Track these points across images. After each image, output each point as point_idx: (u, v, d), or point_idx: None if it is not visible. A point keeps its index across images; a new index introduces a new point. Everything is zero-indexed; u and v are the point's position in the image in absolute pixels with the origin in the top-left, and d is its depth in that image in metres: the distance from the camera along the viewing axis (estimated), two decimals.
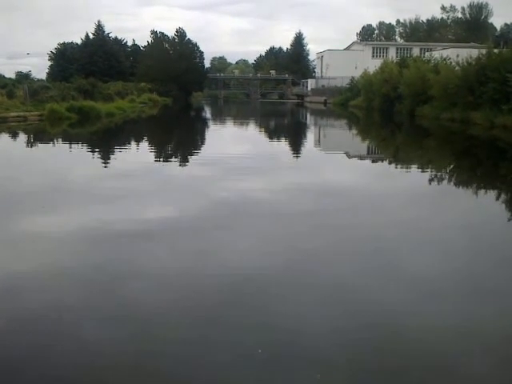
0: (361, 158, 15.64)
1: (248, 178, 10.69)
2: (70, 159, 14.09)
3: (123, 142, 19.52)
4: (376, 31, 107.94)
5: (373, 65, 51.22)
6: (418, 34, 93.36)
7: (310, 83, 75.41)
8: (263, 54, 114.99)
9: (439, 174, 12.65)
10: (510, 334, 4.09)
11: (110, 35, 74.40)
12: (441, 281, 5.10)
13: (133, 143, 19.70)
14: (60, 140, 19.81)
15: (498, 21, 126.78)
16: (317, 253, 5.90)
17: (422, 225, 7.28)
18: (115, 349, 3.78)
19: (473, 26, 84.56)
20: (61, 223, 7.04)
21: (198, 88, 77.50)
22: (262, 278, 5.11)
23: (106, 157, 14.74)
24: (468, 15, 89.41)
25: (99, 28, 72.47)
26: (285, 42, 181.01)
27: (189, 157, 15.05)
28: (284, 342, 3.84)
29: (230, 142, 20.22)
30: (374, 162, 15.20)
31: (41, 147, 17.45)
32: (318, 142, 21.91)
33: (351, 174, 12.04)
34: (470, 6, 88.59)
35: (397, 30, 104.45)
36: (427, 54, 48.00)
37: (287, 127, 32.19)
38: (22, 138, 20.56)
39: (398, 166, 14.27)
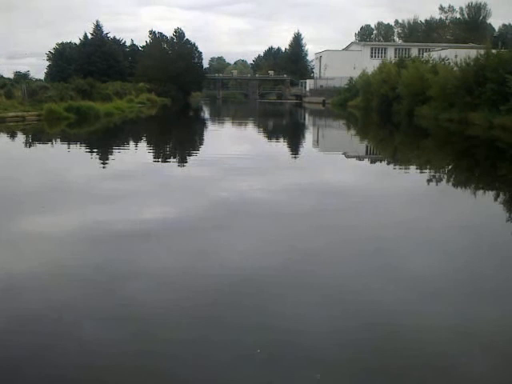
0: (359, 158, 15.65)
1: (247, 179, 10.69)
2: (68, 159, 14.07)
3: (122, 143, 19.50)
4: (374, 31, 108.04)
5: (371, 65, 51.25)
6: (417, 35, 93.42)
7: (309, 83, 75.45)
8: (262, 54, 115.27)
9: (438, 174, 12.66)
10: (510, 334, 4.10)
11: (108, 35, 74.31)
12: (440, 281, 5.11)
13: (131, 143, 19.68)
14: (58, 140, 19.78)
15: (496, 21, 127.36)
16: (316, 253, 5.90)
17: (421, 225, 7.29)
18: (115, 349, 3.77)
19: (471, 27, 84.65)
20: (60, 223, 7.03)
21: (196, 88, 77.39)
22: (261, 278, 5.11)
23: (104, 157, 14.73)
24: (466, 16, 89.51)
25: (97, 28, 72.32)
26: (283, 43, 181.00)
27: (187, 157, 15.04)
28: (283, 341, 3.85)
29: (229, 142, 20.22)
30: (372, 162, 15.21)
31: (39, 147, 17.43)
32: (316, 143, 21.92)
33: (349, 175, 12.05)
34: (469, 6, 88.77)
35: (395, 30, 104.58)
36: (426, 54, 48.07)
37: (286, 127, 32.20)
38: (20, 138, 20.51)
39: (397, 167, 14.28)
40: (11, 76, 62.11)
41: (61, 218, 7.33)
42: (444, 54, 39.82)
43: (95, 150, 16.58)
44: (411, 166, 14.14)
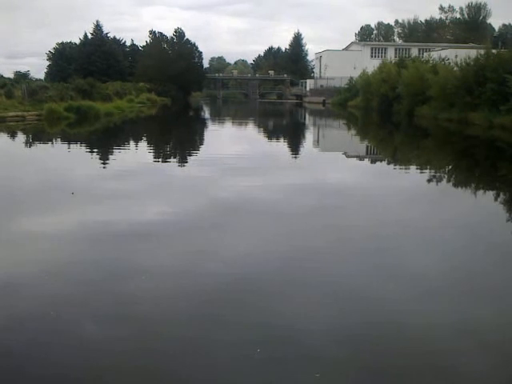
0: (359, 158, 15.65)
1: (247, 179, 10.69)
2: (68, 159, 14.07)
3: (122, 142, 19.50)
4: (375, 31, 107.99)
5: (371, 65, 51.24)
6: (417, 35, 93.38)
7: (309, 83, 75.43)
8: (262, 54, 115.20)
9: (438, 174, 12.67)
10: (510, 333, 4.11)
11: (108, 35, 74.33)
12: (440, 279, 5.12)
13: (131, 143, 19.68)
14: (58, 140, 19.79)
15: (496, 21, 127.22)
16: (316, 251, 5.90)
17: (421, 225, 7.29)
18: (115, 347, 3.78)
19: (471, 27, 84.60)
20: (60, 223, 7.03)
21: (196, 88, 77.42)
22: (261, 276, 5.12)
23: (104, 157, 14.74)
24: (466, 16, 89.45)
25: (98, 28, 72.32)
26: (283, 42, 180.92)
27: (188, 157, 15.04)
28: (283, 340, 3.85)
29: (229, 142, 20.22)
30: (372, 162, 15.21)
31: (39, 147, 17.44)
32: (316, 143, 21.92)
33: (350, 175, 12.05)
34: (469, 6, 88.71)
35: (395, 30, 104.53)
36: (426, 54, 48.06)
37: (286, 127, 32.20)
38: (21, 137, 20.53)
39: (397, 167, 14.28)
40: (11, 76, 62.27)
41: (61, 218, 7.33)
42: (444, 53, 39.81)
43: (95, 150, 16.59)
44: (411, 166, 14.14)
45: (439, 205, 8.83)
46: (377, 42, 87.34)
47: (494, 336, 4.01)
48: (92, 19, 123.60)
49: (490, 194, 10.27)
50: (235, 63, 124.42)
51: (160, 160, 14.61)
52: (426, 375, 3.48)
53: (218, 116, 43.18)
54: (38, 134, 21.40)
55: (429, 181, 11.09)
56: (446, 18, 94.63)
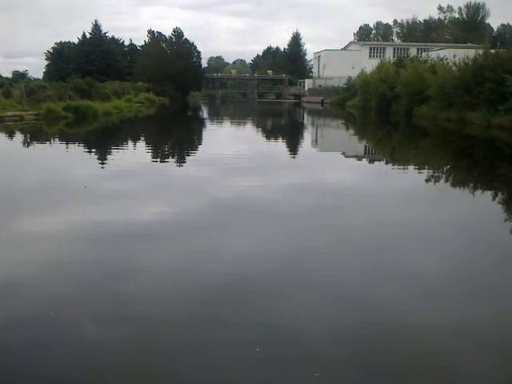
0: (358, 158, 15.66)
1: (246, 179, 10.69)
2: (66, 159, 14.05)
3: (120, 142, 19.48)
4: (373, 31, 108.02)
5: (370, 65, 51.27)
6: (415, 35, 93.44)
7: (307, 83, 75.43)
8: (260, 53, 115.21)
9: (436, 174, 12.68)
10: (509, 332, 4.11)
11: (106, 35, 74.25)
12: (438, 279, 5.12)
13: (130, 143, 19.67)
14: (57, 139, 19.77)
15: (494, 21, 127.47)
16: (315, 251, 5.90)
17: (419, 224, 7.30)
18: (115, 347, 3.78)
19: (470, 27, 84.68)
20: (59, 222, 7.02)
21: (195, 88, 77.35)
22: (260, 276, 5.12)
23: (102, 157, 14.72)
24: (465, 15, 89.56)
25: (96, 27, 72.22)
26: (282, 42, 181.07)
27: (186, 157, 15.04)
28: (282, 340, 3.84)
29: (228, 142, 20.22)
30: (370, 162, 15.21)
31: (37, 147, 17.41)
32: (315, 142, 21.93)
33: (348, 174, 12.06)
34: (467, 6, 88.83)
35: (394, 30, 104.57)
36: (424, 54, 48.12)
37: (284, 127, 32.20)
38: (19, 137, 20.49)
39: (396, 167, 14.30)
40: (9, 75, 62.14)
41: (60, 218, 7.32)
42: (442, 53, 39.86)
43: (94, 150, 16.57)
44: (410, 166, 14.15)
45: (438, 205, 8.84)
46: (375, 42, 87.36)
47: (493, 336, 4.02)
48: (91, 19, 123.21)
49: (489, 193, 10.28)
50: (234, 63, 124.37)
51: (159, 160, 14.60)
52: (426, 375, 3.49)
53: (216, 116, 43.17)
54: (36, 134, 21.36)
55: (427, 181, 11.10)
56: (445, 18, 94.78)
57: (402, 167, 14.02)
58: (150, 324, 4.10)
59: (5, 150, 16.10)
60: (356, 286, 4.87)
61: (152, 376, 3.42)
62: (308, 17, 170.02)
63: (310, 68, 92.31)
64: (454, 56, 30.81)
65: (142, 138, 21.80)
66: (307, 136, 25.42)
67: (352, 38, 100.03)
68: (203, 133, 25.66)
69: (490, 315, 4.37)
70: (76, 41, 74.30)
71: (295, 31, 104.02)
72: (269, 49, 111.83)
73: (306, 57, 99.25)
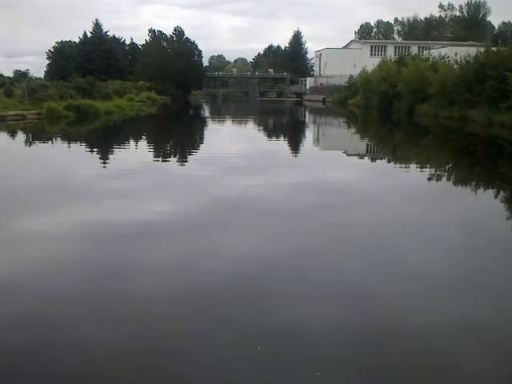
0: (360, 156, 15.65)
1: (248, 178, 10.69)
2: (68, 158, 14.06)
3: (122, 141, 19.48)
4: (374, 29, 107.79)
5: (371, 63, 51.22)
6: (417, 33, 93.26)
7: (309, 81, 75.39)
8: (261, 52, 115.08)
9: (438, 172, 12.67)
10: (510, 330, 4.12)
11: (107, 34, 74.28)
12: (440, 277, 5.12)
13: (132, 142, 19.67)
14: (58, 139, 19.78)
15: (496, 19, 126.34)
16: (317, 250, 5.91)
17: (421, 222, 7.29)
18: (116, 345, 3.78)
19: (471, 25, 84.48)
20: (61, 222, 7.03)
21: (196, 86, 77.31)
22: (262, 275, 5.13)
23: (104, 156, 14.73)
24: (466, 13, 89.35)
25: (97, 26, 72.26)
26: (283, 41, 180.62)
27: (188, 156, 15.03)
28: (283, 339, 3.85)
29: (229, 141, 20.22)
30: (372, 160, 15.21)
31: (39, 146, 17.42)
32: (316, 141, 21.92)
33: (350, 173, 12.05)
34: (468, 4, 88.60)
35: (395, 28, 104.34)
36: (425, 52, 48.06)
37: (286, 126, 32.19)
38: (21, 136, 20.52)
39: (397, 165, 14.28)
40: (11, 75, 62.29)
41: (61, 217, 7.33)
42: (444, 51, 39.78)
43: (95, 149, 16.58)
44: (412, 164, 14.15)
45: (439, 203, 8.84)
46: (376, 40, 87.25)
47: (494, 333, 4.02)
48: (92, 18, 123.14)
49: (490, 191, 10.28)
50: (235, 61, 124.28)
51: (160, 159, 14.60)
52: (427, 374, 3.49)
53: (217, 114, 43.17)
54: (37, 133, 21.38)
55: (429, 179, 11.10)
56: (446, 16, 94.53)
57: (403, 165, 14.02)
58: (152, 323, 4.11)
59: (7, 149, 16.12)
60: (357, 285, 4.88)
61: (154, 374, 3.43)
62: (309, 15, 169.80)
63: (312, 66, 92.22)
64: (456, 54, 30.79)
65: (144, 137, 21.80)
66: (309, 134, 25.42)
67: (353, 37, 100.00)
68: (205, 132, 25.66)
69: (491, 313, 4.37)
70: (77, 40, 74.48)
71: (296, 30, 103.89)
72: (270, 47, 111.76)
73: (307, 55, 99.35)
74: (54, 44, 77.99)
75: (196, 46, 77.79)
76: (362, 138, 22.93)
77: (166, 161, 14.18)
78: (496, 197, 9.68)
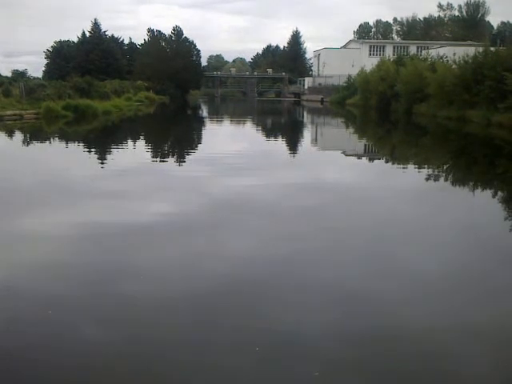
0: (358, 156, 15.65)
1: (246, 178, 10.67)
2: (66, 158, 14.03)
3: (120, 141, 19.45)
4: (373, 29, 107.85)
5: (370, 63, 51.23)
6: (415, 33, 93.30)
7: (307, 81, 75.38)
8: (260, 52, 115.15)
9: (436, 172, 12.66)
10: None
11: (106, 33, 74.15)
12: (441, 280, 5.11)
13: (130, 142, 19.64)
14: (56, 138, 19.74)
15: (494, 19, 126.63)
16: (315, 252, 5.89)
17: (420, 223, 7.27)
18: (113, 349, 3.76)
19: (470, 25, 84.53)
20: (58, 223, 7.00)
21: (194, 86, 77.27)
22: (260, 278, 5.11)
23: (102, 156, 14.69)
24: (465, 13, 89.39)
25: (96, 26, 72.13)
26: (282, 41, 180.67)
27: (186, 156, 15.02)
28: (281, 340, 3.83)
29: (228, 141, 20.20)
30: (371, 160, 15.20)
31: (37, 146, 17.38)
32: (315, 141, 21.91)
33: (348, 173, 12.04)
34: (467, 4, 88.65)
35: (394, 28, 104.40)
36: (424, 52, 48.09)
37: (284, 126, 32.18)
38: (18, 136, 20.47)
39: (396, 165, 14.28)
40: (9, 74, 62.08)
41: (59, 218, 7.30)
42: (442, 51, 39.84)
43: (93, 149, 16.54)
44: (410, 165, 14.14)
45: (437, 203, 8.82)
46: (375, 40, 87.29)
47: (492, 339, 4.00)
48: (90, 17, 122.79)
49: (489, 192, 10.27)
50: (233, 61, 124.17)
51: (158, 159, 14.57)
52: (424, 380, 3.47)
53: (216, 114, 43.15)
54: (35, 133, 21.34)
55: (427, 179, 11.09)
56: (445, 16, 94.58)
57: (401, 166, 14.01)
58: (150, 326, 4.09)
59: (4, 149, 16.08)
60: (357, 287, 4.86)
61: (151, 380, 3.41)
62: (307, 15, 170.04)
63: (310, 66, 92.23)
64: (454, 54, 30.84)
65: (142, 137, 21.78)
66: (307, 135, 25.41)
67: (352, 36, 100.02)
68: (203, 132, 25.63)
69: (490, 317, 4.35)
70: (75, 39, 74.32)
71: (295, 29, 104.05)
72: (268, 47, 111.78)
73: (306, 55, 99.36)
74: (52, 44, 77.84)
75: (194, 46, 77.76)
76: (361, 138, 22.92)
77: (163, 161, 14.15)
78: (494, 197, 9.67)
